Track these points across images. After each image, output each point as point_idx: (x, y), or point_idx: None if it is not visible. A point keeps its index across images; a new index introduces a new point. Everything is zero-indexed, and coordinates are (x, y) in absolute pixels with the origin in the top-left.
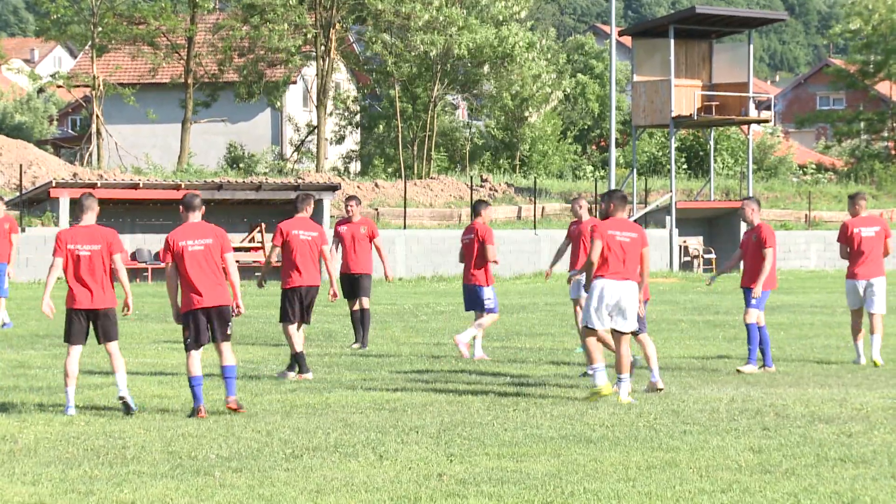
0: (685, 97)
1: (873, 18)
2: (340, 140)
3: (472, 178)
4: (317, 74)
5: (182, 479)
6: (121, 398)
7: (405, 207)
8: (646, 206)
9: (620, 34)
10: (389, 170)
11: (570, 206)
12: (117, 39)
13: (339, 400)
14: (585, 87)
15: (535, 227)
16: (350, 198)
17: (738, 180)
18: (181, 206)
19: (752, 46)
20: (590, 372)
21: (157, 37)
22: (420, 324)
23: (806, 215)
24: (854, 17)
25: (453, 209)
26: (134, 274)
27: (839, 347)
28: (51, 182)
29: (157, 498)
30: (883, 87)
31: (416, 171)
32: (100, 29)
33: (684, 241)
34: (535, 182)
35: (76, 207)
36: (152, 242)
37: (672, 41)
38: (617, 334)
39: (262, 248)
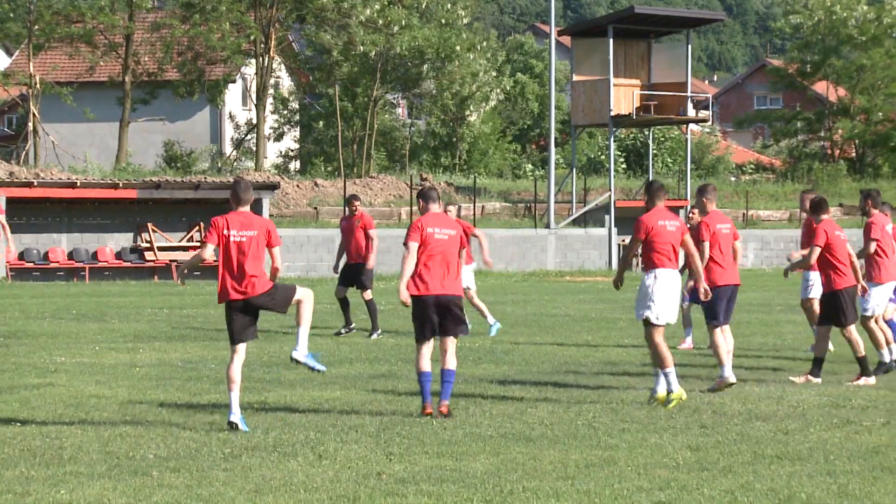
0: (624, 97)
1: (813, 16)
2: (279, 137)
3: (411, 176)
4: (256, 73)
5: (120, 479)
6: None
7: (345, 206)
8: (585, 205)
9: (560, 34)
10: (329, 168)
11: (512, 205)
12: (55, 38)
13: (277, 399)
14: (525, 87)
15: (474, 226)
16: (351, 197)
17: (677, 179)
18: (230, 196)
19: (690, 46)
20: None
21: (94, 35)
22: (360, 323)
23: (744, 214)
24: (794, 14)
25: (393, 208)
26: (71, 273)
27: (776, 345)
28: None
29: (94, 499)
30: (820, 87)
31: (355, 170)
32: (37, 27)
33: (623, 240)
34: (474, 181)
35: (231, 197)
36: (90, 241)
37: (611, 41)
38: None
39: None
